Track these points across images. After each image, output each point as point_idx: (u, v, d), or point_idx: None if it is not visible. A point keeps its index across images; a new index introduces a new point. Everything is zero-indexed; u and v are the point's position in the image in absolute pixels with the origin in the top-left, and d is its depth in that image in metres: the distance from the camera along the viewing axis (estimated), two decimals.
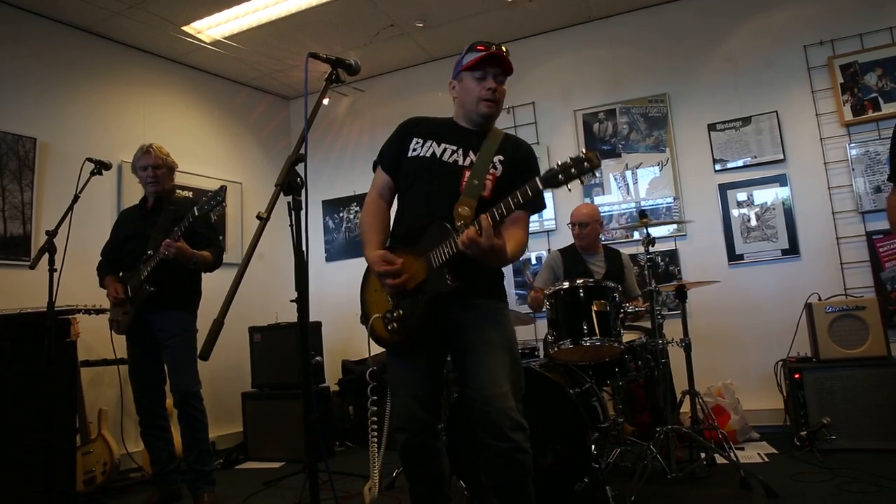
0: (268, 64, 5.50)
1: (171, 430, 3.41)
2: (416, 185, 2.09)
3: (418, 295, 1.98)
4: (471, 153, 2.08)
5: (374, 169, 2.23)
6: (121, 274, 3.36)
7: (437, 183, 2.05)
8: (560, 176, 1.74)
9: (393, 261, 1.98)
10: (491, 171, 2.05)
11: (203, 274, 3.42)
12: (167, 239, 3.01)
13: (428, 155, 2.09)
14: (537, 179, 1.77)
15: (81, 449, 3.55)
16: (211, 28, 4.83)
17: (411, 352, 2.05)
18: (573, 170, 1.72)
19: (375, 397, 2.18)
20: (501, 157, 2.09)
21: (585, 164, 1.71)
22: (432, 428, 2.08)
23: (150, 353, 3.27)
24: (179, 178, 4.84)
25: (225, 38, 4.97)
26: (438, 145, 2.10)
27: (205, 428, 3.25)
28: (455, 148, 2.09)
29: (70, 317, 3.18)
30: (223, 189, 2.99)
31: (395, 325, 2.01)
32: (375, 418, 2.20)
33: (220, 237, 3.62)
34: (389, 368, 2.12)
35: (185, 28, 4.78)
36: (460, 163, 2.06)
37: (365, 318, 2.14)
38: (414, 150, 2.11)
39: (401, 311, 2.00)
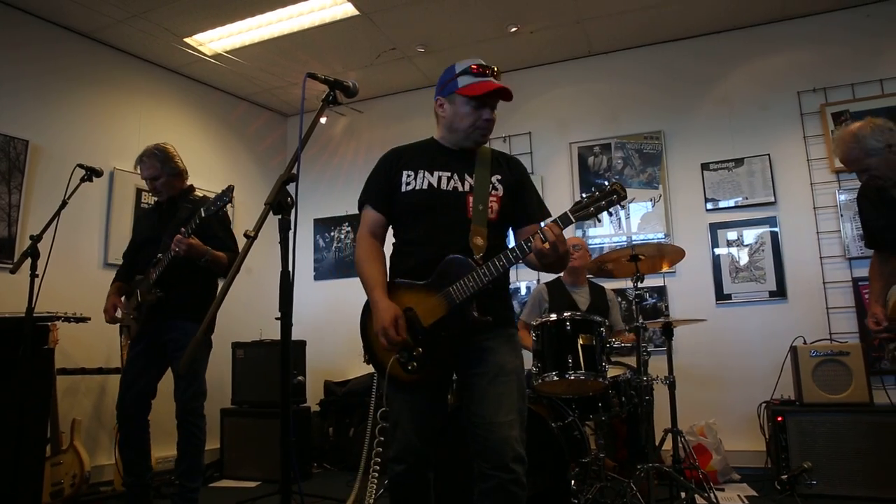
0: (268, 80, 5.52)
1: (150, 444, 3.27)
2: (422, 220, 2.01)
3: (441, 331, 1.92)
4: (466, 176, 2.04)
5: (361, 207, 2.12)
6: (137, 278, 3.22)
7: (444, 214, 1.99)
8: (591, 208, 1.82)
9: (402, 328, 1.90)
10: (493, 192, 2.03)
11: (216, 282, 3.26)
12: (178, 235, 2.88)
13: (425, 187, 2.01)
14: (568, 212, 1.82)
15: (51, 459, 3.47)
16: (213, 41, 4.86)
17: (421, 385, 1.97)
18: (603, 202, 1.80)
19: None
20: (499, 177, 2.07)
21: (613, 196, 1.79)
22: (429, 459, 2.02)
23: (151, 362, 3.11)
24: None
25: (226, 52, 4.99)
26: (432, 174, 2.03)
27: (200, 444, 3.11)
28: (449, 174, 2.03)
29: (49, 323, 3.12)
30: (230, 188, 2.83)
31: (416, 363, 1.92)
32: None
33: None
34: (392, 399, 2.01)
35: (186, 40, 4.79)
36: (460, 189, 2.01)
37: (372, 357, 2.06)
38: (408, 184, 2.03)
39: (421, 350, 1.92)
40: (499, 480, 1.81)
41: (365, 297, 2.06)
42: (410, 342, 1.92)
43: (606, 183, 1.81)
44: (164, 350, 3.09)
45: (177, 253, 2.88)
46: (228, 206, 2.89)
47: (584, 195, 1.84)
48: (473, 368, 1.94)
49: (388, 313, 1.90)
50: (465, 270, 1.88)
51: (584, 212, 1.82)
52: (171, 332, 3.07)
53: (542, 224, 1.93)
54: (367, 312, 2.05)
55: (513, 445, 1.83)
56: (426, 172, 2.03)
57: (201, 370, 3.11)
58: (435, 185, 2.02)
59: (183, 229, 2.89)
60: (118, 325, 3.31)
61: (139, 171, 3.25)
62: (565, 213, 1.82)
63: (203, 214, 2.85)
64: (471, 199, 1.99)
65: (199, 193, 3.34)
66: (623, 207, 1.84)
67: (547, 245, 1.79)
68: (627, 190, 5.00)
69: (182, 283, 3.04)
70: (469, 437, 1.93)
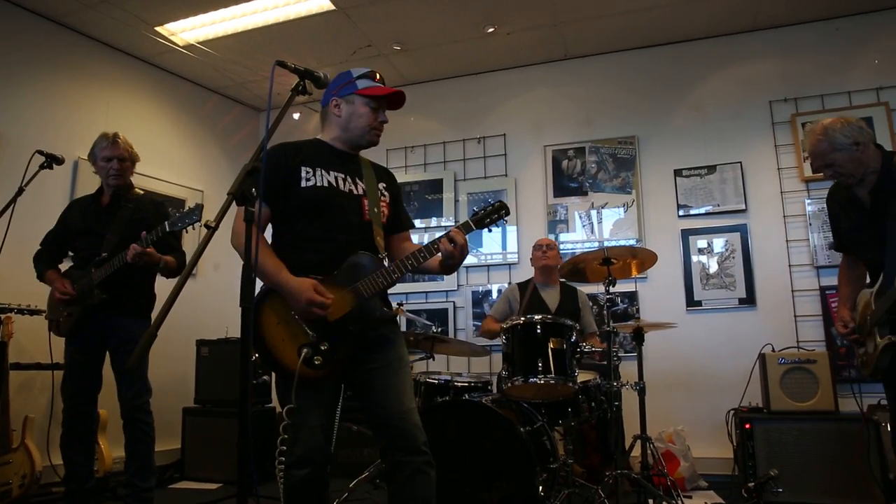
0: (240, 73, 5.42)
1: (97, 446, 3.16)
2: (323, 216, 2.04)
3: (348, 325, 1.95)
4: (358, 180, 2.14)
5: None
6: (62, 269, 3.15)
7: (345, 213, 2.06)
8: (486, 220, 2.07)
9: (324, 292, 1.91)
10: (382, 198, 2.17)
11: (157, 277, 3.24)
12: (135, 245, 2.83)
13: (325, 185, 2.05)
14: (470, 221, 2.06)
15: (0, 458, 3.33)
16: (185, 31, 4.74)
17: (326, 380, 1.97)
18: (496, 214, 2.07)
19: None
20: (384, 185, 2.22)
21: (502, 211, 2.08)
22: (330, 457, 1.99)
23: (92, 359, 3.06)
24: (139, 181, 4.71)
25: (199, 43, 4.88)
26: (328, 173, 2.08)
27: (150, 441, 3.06)
28: (343, 176, 2.11)
29: (2, 316, 2.98)
30: (199, 208, 2.82)
31: (322, 358, 1.92)
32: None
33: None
34: (295, 399, 1.89)
35: (158, 28, 4.67)
36: (355, 192, 2.11)
37: (268, 356, 1.97)
38: (308, 179, 2.04)
39: (327, 344, 1.92)
40: (415, 464, 1.92)
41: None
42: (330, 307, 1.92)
43: (491, 202, 2.09)
44: (103, 345, 3.07)
45: (135, 262, 2.85)
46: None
47: (475, 209, 2.09)
48: (375, 361, 2.00)
49: (306, 285, 1.90)
50: (374, 267, 1.99)
51: (480, 224, 2.06)
52: (112, 328, 3.03)
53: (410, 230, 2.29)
54: (263, 310, 1.98)
55: (421, 429, 1.96)
56: (323, 171, 2.08)
57: (144, 366, 3.06)
58: (334, 184, 2.08)
59: (144, 234, 2.85)
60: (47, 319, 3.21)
61: (105, 148, 3.12)
62: (467, 221, 2.06)
63: (168, 229, 2.82)
64: (366, 201, 2.11)
65: (138, 191, 3.27)
66: (507, 223, 2.15)
67: (455, 247, 1.96)
68: (602, 194, 5.05)
69: (125, 283, 3.01)
70: (377, 429, 1.99)
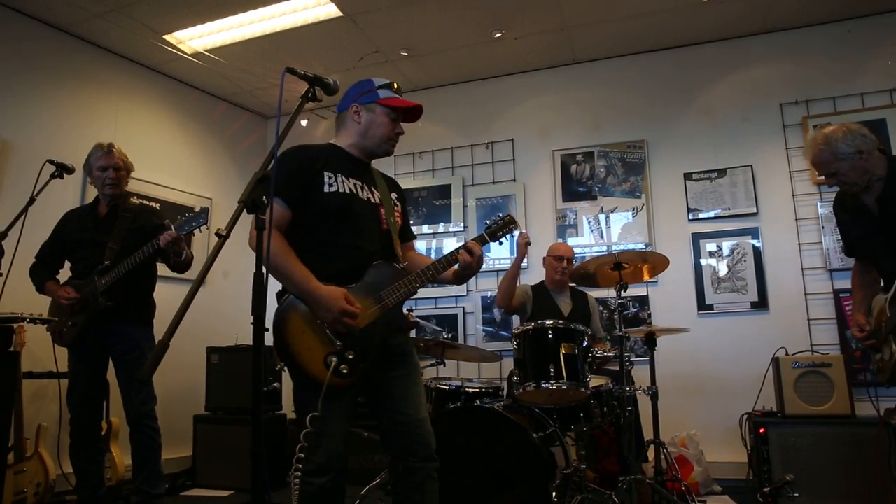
0: (248, 80, 5.44)
1: (108, 454, 3.19)
2: (347, 223, 2.02)
3: (373, 334, 1.96)
4: (373, 188, 2.15)
5: None
6: (61, 280, 3.19)
7: (367, 222, 2.07)
8: (498, 232, 2.18)
9: (354, 302, 1.90)
10: (395, 208, 2.20)
11: (156, 286, 3.30)
12: (170, 231, 2.85)
13: (347, 192, 2.05)
14: (485, 234, 2.17)
15: (14, 467, 3.33)
16: (193, 39, 4.76)
17: (350, 388, 1.96)
18: (506, 228, 2.18)
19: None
20: (395, 195, 2.25)
21: (511, 225, 2.19)
22: (347, 465, 1.99)
23: (96, 369, 3.10)
24: (148, 189, 4.75)
25: (207, 51, 4.89)
26: (348, 180, 2.07)
27: (157, 448, 3.08)
28: (361, 183, 2.11)
29: (16, 325, 2.99)
30: (206, 212, 2.83)
31: (348, 367, 1.91)
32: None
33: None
34: (321, 407, 1.85)
35: (166, 37, 4.69)
36: (373, 200, 2.12)
37: (293, 365, 1.94)
38: (330, 185, 2.02)
39: (353, 353, 1.91)
40: (427, 471, 2.00)
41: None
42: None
43: (500, 214, 2.20)
44: (105, 353, 3.10)
45: (167, 248, 2.89)
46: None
47: (487, 221, 2.20)
48: (394, 370, 2.05)
49: (337, 294, 1.89)
50: (396, 277, 2.01)
51: (493, 237, 2.17)
52: (115, 336, 3.06)
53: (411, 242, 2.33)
54: (287, 319, 1.95)
55: (433, 437, 2.04)
56: (343, 178, 2.07)
57: None
58: (355, 191, 2.08)
59: (167, 221, 2.92)
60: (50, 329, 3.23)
61: (100, 157, 3.19)
62: (482, 234, 2.17)
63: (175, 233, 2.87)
64: (383, 210, 2.13)
65: (135, 200, 3.34)
66: (513, 236, 2.25)
67: (473, 258, 2.03)
68: (611, 198, 5.03)
69: (128, 291, 3.05)
70: (392, 436, 2.02)
